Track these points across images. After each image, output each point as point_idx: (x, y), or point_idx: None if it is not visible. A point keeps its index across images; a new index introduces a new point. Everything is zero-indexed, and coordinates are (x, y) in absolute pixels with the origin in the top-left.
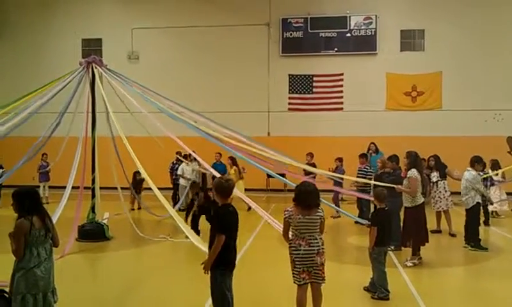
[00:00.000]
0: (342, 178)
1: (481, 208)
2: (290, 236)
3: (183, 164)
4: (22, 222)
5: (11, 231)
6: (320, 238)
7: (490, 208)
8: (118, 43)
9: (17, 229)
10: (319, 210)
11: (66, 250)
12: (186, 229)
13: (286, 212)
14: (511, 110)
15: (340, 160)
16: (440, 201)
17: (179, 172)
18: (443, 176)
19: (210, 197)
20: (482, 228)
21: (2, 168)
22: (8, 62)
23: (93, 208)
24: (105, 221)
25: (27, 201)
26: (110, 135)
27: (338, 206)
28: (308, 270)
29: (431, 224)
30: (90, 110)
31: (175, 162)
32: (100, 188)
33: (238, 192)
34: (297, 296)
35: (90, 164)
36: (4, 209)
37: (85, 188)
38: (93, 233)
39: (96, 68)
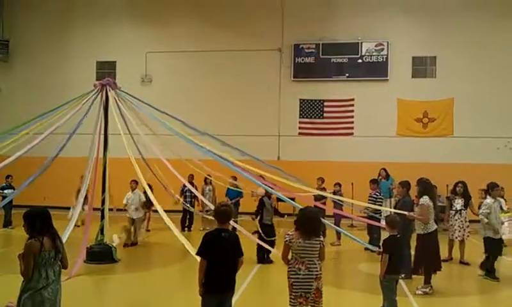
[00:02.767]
0: (342, 202)
1: None
2: (289, 259)
3: (128, 193)
4: (32, 243)
5: (20, 252)
6: (319, 264)
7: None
8: (132, 66)
9: (27, 250)
10: (320, 236)
11: (74, 271)
12: (190, 249)
13: (287, 236)
14: None
15: (339, 185)
16: (459, 231)
17: (124, 201)
18: (466, 205)
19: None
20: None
21: (14, 189)
22: (21, 81)
23: (101, 230)
24: (114, 244)
25: (38, 222)
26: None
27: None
28: (305, 296)
29: (443, 252)
30: (103, 131)
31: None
32: (109, 209)
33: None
34: None
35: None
36: (17, 229)
37: (94, 209)
38: (101, 255)
39: (110, 90)
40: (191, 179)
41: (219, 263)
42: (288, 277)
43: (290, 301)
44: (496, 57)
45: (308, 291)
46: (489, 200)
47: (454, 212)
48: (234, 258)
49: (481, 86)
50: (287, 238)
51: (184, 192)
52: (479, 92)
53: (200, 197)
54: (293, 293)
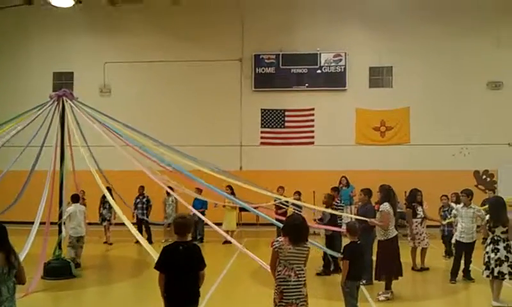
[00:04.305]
0: (300, 211)
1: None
2: (277, 267)
3: (71, 207)
4: None
5: None
6: (305, 269)
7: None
8: (90, 76)
9: None
10: (307, 242)
11: (31, 288)
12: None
13: (276, 242)
14: (478, 145)
15: (298, 193)
16: (424, 239)
17: (64, 216)
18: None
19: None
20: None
21: None
22: None
23: (59, 245)
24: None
25: None
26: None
27: None
28: (295, 302)
29: (407, 257)
30: (59, 144)
31: (138, 194)
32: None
33: (213, 225)
34: None
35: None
36: None
37: (52, 223)
38: (59, 270)
39: (66, 101)
40: (141, 190)
41: (178, 276)
42: (278, 285)
43: None
44: (450, 66)
45: (298, 298)
46: (455, 205)
47: (420, 219)
48: (194, 271)
49: (436, 95)
50: (276, 245)
51: (135, 203)
52: (433, 100)
53: (189, 205)
54: (284, 301)
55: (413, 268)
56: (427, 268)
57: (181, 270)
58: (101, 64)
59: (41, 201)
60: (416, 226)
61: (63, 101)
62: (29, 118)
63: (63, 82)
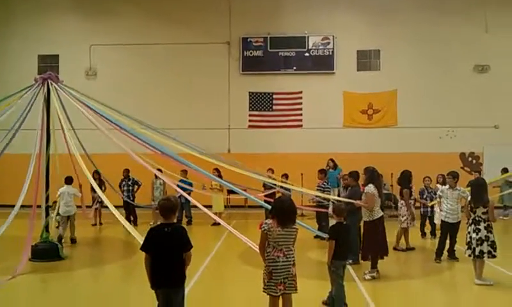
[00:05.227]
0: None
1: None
2: (266, 249)
3: (63, 187)
4: None
5: None
6: (294, 250)
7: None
8: (76, 59)
9: None
10: (295, 223)
11: (18, 270)
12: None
13: (265, 225)
14: (464, 128)
15: (285, 176)
16: (413, 220)
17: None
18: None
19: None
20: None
21: None
22: None
23: (46, 227)
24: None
25: None
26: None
27: None
28: (283, 282)
29: (393, 237)
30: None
31: (123, 178)
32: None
33: (201, 206)
34: None
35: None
36: None
37: (38, 207)
38: (46, 252)
39: (52, 84)
40: (125, 173)
41: (163, 257)
42: (267, 266)
43: (270, 288)
44: (437, 49)
45: (286, 277)
46: (440, 187)
47: (413, 201)
48: (179, 252)
49: (423, 77)
50: (265, 227)
51: (120, 186)
52: (420, 83)
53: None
54: (272, 281)
55: (394, 248)
56: (413, 248)
57: (166, 252)
58: (87, 46)
59: (25, 184)
60: (410, 206)
61: (48, 84)
62: (14, 101)
63: (48, 65)
